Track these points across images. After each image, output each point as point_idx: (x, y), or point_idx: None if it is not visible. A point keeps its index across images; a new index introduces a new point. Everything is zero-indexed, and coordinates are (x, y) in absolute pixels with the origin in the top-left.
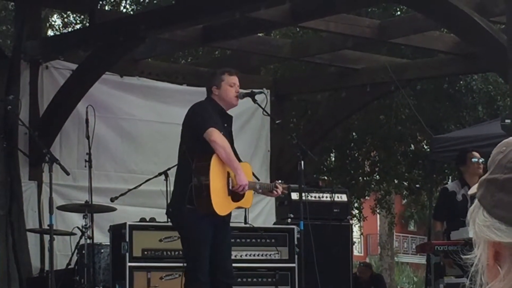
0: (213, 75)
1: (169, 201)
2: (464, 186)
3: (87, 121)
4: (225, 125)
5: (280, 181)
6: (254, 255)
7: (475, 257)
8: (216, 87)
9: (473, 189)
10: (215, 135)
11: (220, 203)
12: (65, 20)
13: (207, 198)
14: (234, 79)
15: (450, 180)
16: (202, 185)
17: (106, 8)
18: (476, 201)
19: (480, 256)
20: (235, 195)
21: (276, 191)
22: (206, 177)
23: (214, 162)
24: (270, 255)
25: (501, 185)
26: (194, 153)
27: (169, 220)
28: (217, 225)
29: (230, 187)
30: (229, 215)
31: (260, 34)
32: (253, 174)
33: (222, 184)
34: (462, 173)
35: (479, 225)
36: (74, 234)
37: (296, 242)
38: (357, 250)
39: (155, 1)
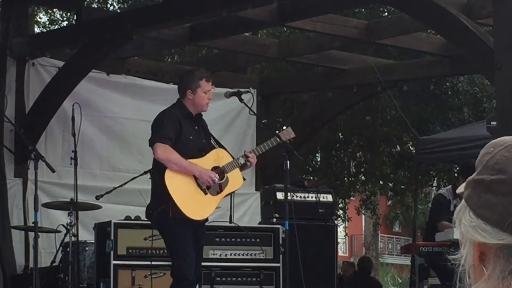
0: (190, 77)
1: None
2: (456, 197)
3: (73, 118)
4: (196, 127)
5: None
6: (239, 255)
7: (461, 257)
8: (191, 91)
9: (460, 189)
10: (158, 152)
11: (197, 208)
12: (52, 17)
13: (180, 213)
14: (209, 86)
15: (435, 181)
16: (170, 205)
17: (93, 5)
18: (462, 201)
19: (466, 256)
20: (216, 188)
21: (249, 161)
22: (168, 196)
23: (168, 177)
24: (255, 254)
25: (487, 186)
26: (158, 166)
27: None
28: (197, 225)
29: (202, 186)
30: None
31: (247, 34)
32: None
33: (191, 190)
34: (458, 180)
35: (465, 225)
36: (59, 231)
37: (281, 242)
38: (342, 251)
39: None
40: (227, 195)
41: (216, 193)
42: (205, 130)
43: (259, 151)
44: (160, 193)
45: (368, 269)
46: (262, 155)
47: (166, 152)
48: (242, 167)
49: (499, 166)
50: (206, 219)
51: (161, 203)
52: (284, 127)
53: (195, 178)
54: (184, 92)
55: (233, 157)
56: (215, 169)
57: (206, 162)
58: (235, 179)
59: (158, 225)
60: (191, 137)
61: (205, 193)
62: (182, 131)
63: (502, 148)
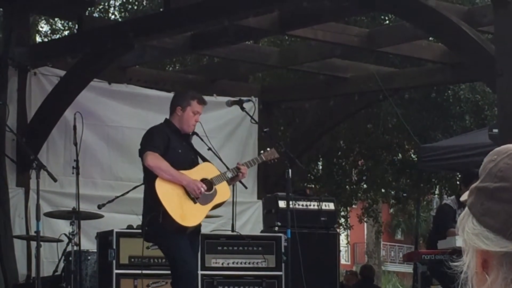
0: (183, 95)
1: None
2: (461, 207)
3: (74, 128)
4: (184, 143)
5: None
6: (241, 263)
7: (464, 264)
8: (181, 108)
9: (464, 196)
10: (148, 159)
11: (186, 215)
12: (53, 26)
13: (170, 220)
14: (200, 108)
15: (437, 189)
16: (161, 212)
17: (94, 15)
18: (466, 208)
19: (469, 263)
20: (205, 198)
21: (241, 173)
22: (158, 203)
23: (159, 185)
24: (257, 263)
25: (490, 193)
26: (148, 175)
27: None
28: (191, 236)
29: (192, 195)
30: (199, 225)
31: (248, 42)
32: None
33: (180, 198)
34: (461, 189)
35: (468, 233)
36: (61, 241)
37: (283, 250)
38: (344, 259)
39: (143, 8)
40: (215, 206)
41: (205, 203)
42: (193, 147)
43: (248, 166)
44: (150, 202)
45: (371, 276)
46: (263, 163)
47: (156, 159)
48: (233, 179)
49: (502, 174)
50: (199, 231)
51: (151, 211)
52: (268, 149)
53: (184, 188)
54: (174, 109)
55: (220, 171)
56: (203, 180)
57: (195, 174)
58: (223, 191)
59: (154, 237)
60: (180, 151)
61: (195, 202)
62: (171, 144)
63: (505, 156)
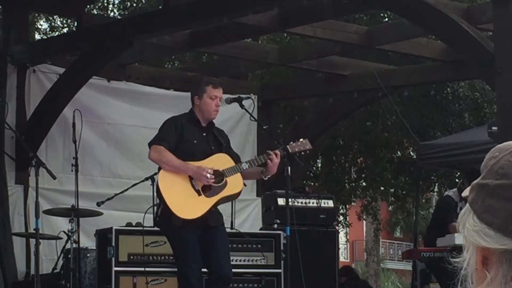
0: (198, 84)
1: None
2: (462, 200)
3: (73, 125)
4: (204, 134)
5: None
6: (240, 261)
7: (464, 261)
8: (198, 97)
9: (465, 192)
10: (151, 153)
11: (187, 208)
12: (52, 24)
13: (169, 211)
14: (217, 92)
15: (436, 186)
16: (161, 202)
17: (94, 12)
18: (467, 205)
19: (469, 260)
20: (213, 190)
21: (271, 160)
22: (159, 193)
23: (161, 176)
24: (256, 260)
25: (491, 190)
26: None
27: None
28: (203, 230)
29: (196, 187)
30: (216, 218)
31: (248, 40)
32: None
33: (183, 190)
34: (463, 184)
35: (469, 229)
36: (60, 238)
37: (282, 248)
38: (343, 256)
39: (142, 6)
40: (224, 198)
41: (212, 195)
42: (218, 139)
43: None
44: (157, 194)
45: (355, 274)
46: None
47: (157, 152)
48: (269, 169)
49: (503, 171)
50: (211, 225)
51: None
52: (302, 139)
53: (190, 179)
54: (193, 99)
55: (235, 163)
56: (214, 172)
57: (206, 164)
58: (234, 184)
59: (163, 231)
60: (195, 141)
61: (199, 194)
62: (184, 135)
63: (507, 153)
